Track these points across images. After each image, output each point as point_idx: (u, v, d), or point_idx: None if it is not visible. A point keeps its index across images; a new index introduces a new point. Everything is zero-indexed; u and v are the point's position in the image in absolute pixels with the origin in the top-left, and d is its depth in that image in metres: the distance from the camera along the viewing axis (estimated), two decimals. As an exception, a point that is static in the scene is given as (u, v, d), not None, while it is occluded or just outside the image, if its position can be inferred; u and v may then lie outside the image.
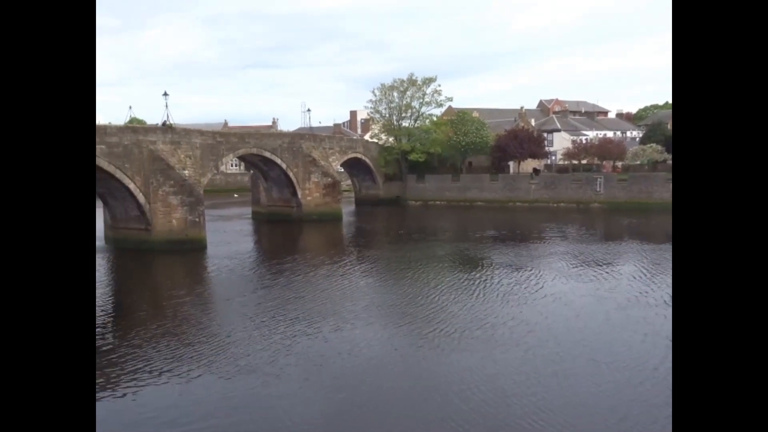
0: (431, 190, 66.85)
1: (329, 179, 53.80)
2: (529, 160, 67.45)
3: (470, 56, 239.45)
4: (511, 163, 69.32)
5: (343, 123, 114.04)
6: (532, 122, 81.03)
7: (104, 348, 18.68)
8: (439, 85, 66.99)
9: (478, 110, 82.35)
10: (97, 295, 26.58)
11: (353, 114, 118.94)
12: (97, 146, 33.67)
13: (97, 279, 29.79)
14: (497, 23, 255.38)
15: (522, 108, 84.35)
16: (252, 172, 58.84)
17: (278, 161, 50.16)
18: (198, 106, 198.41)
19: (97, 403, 14.54)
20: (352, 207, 66.23)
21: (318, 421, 13.59)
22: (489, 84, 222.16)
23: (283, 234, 47.10)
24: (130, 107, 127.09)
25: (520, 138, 64.74)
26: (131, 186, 35.61)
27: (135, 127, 42.13)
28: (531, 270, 29.09)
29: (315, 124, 75.37)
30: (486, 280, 27.13)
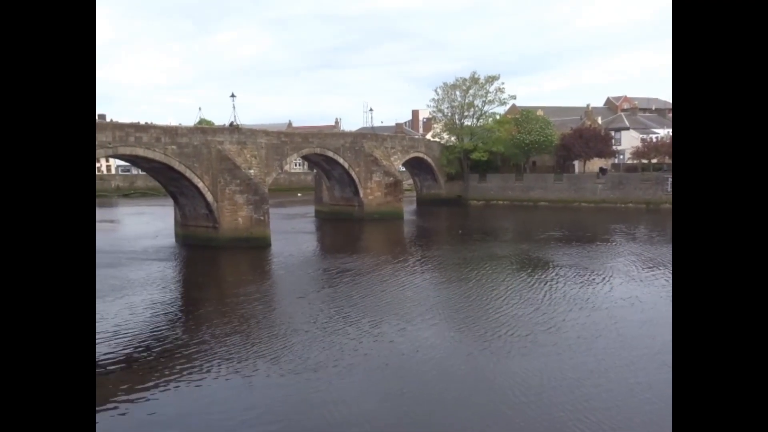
0: (493, 190, 65.98)
1: (391, 178, 53.94)
2: (595, 159, 65.57)
3: (535, 53, 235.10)
4: (576, 163, 67.60)
5: (405, 122, 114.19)
6: (599, 120, 78.72)
7: (174, 342, 19.33)
8: (503, 83, 66.14)
9: (543, 108, 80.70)
10: (169, 289, 27.55)
11: (415, 113, 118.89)
12: (168, 146, 34.91)
13: (169, 274, 30.90)
14: (563, 19, 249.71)
15: (588, 106, 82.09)
16: (315, 171, 59.71)
17: (341, 161, 50.68)
18: (263, 107, 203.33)
19: (163, 395, 15.03)
20: (414, 206, 66.19)
21: (382, 422, 13.59)
22: (554, 81, 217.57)
23: (345, 233, 47.55)
24: (200, 108, 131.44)
25: (585, 137, 63.05)
26: (200, 185, 36.74)
27: (204, 128, 43.47)
28: (598, 272, 28.24)
29: (377, 123, 75.90)
30: (551, 282, 26.52)
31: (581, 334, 18.84)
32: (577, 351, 17.35)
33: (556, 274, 28.04)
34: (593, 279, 26.86)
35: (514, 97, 68.84)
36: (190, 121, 77.48)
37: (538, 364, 16.39)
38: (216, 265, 34.33)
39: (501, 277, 28.14)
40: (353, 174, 51.86)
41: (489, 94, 66.16)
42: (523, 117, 66.89)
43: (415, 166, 66.94)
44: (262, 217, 38.50)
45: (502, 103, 67.53)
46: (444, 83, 67.97)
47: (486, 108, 66.99)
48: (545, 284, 26.03)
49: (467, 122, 67.86)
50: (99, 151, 32.71)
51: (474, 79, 65.95)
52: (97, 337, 19.53)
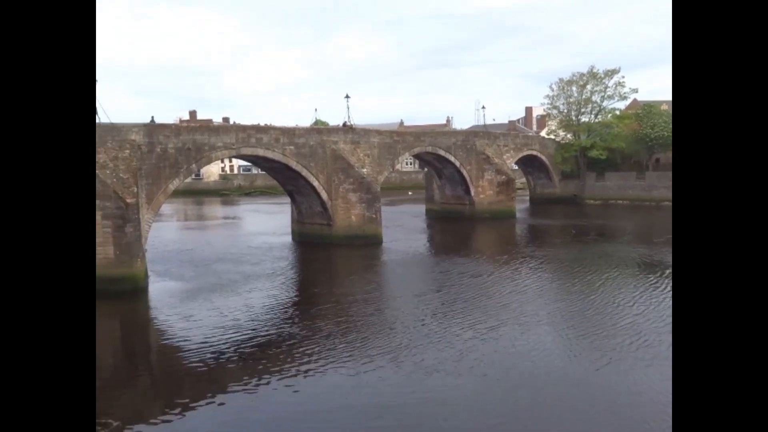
0: (612, 189, 62.97)
1: (503, 177, 53.03)
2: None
3: (659, 46, 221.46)
4: (705, 160, 62.92)
5: (518, 119, 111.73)
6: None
7: (289, 337, 20.17)
8: (623, 77, 62.95)
9: (668, 103, 75.83)
10: (285, 285, 28.79)
11: (529, 110, 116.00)
12: (287, 147, 36.45)
13: (286, 270, 32.28)
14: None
15: (720, 98, 75.98)
16: (426, 170, 59.91)
17: (452, 159, 50.50)
18: (376, 107, 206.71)
19: (275, 388, 15.65)
20: (526, 205, 64.63)
21: (494, 427, 13.43)
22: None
23: (455, 231, 47.36)
24: (316, 110, 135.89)
25: (717, 131, 58.51)
26: (315, 183, 38.04)
27: (319, 128, 44.95)
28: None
29: (489, 121, 74.69)
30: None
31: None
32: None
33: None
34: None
35: (635, 91, 65.22)
36: (306, 122, 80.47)
37: (660, 378, 15.41)
38: (330, 262, 35.42)
39: (618, 281, 26.83)
40: (464, 172, 51.50)
41: (608, 89, 63.24)
42: (645, 111, 63.25)
43: (528, 164, 65.33)
44: (374, 215, 39.22)
45: (623, 97, 64.29)
46: (559, 79, 65.74)
47: (605, 103, 64.09)
48: (670, 292, 24.49)
49: (584, 118, 65.21)
50: (223, 152, 34.78)
51: (592, 74, 63.27)
52: (215, 330, 20.80)
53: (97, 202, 26.28)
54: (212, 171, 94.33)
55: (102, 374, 18.41)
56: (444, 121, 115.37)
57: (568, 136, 66.43)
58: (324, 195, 38.48)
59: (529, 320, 20.66)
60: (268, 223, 52.65)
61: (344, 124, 44.30)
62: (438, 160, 51.49)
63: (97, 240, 26.33)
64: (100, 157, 26.91)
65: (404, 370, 16.26)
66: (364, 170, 39.75)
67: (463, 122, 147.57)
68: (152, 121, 34.81)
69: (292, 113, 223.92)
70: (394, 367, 16.66)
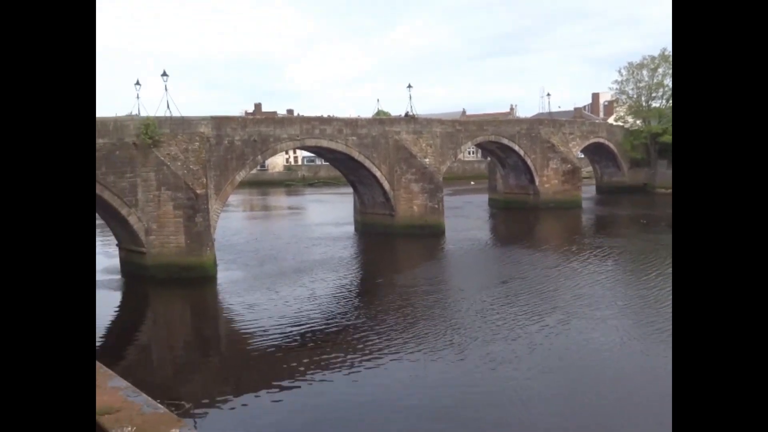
0: (685, 177, 60.28)
1: (568, 165, 51.68)
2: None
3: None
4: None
5: (584, 106, 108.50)
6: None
7: (351, 326, 20.41)
8: (699, 59, 59.96)
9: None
10: (348, 275, 29.11)
11: (595, 96, 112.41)
12: (349, 137, 36.73)
13: (349, 260, 32.62)
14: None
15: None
16: (489, 159, 59.12)
17: (516, 148, 49.61)
18: (438, 97, 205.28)
19: (338, 377, 15.83)
20: (593, 194, 62.81)
21: (553, 421, 13.18)
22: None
23: (519, 221, 46.59)
24: (378, 100, 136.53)
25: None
26: (378, 174, 38.20)
27: (381, 118, 45.03)
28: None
29: (554, 108, 72.95)
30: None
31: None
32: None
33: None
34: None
35: (712, 74, 62.03)
36: (368, 112, 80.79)
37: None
38: (392, 252, 35.55)
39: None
40: (529, 161, 50.50)
41: (682, 72, 60.44)
42: (722, 96, 60.14)
43: (595, 152, 63.37)
44: (436, 205, 39.06)
45: (698, 80, 61.29)
46: (629, 63, 63.34)
47: (678, 87, 61.33)
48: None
49: (655, 104, 62.64)
50: (288, 143, 35.40)
51: (664, 57, 60.62)
52: (280, 318, 21.26)
53: (169, 193, 27.29)
54: (277, 162, 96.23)
55: (175, 357, 19.21)
56: (507, 110, 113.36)
57: (638, 122, 64.00)
58: (386, 185, 38.60)
59: (600, 314, 20.10)
60: (331, 214, 53.32)
61: (406, 114, 44.22)
62: (501, 149, 50.70)
63: (170, 229, 27.38)
64: (172, 149, 27.89)
65: (469, 363, 16.12)
66: (427, 160, 39.58)
67: (527, 110, 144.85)
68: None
69: (355, 104, 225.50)
70: (458, 360, 16.52)
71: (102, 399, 1.59)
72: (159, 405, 1.57)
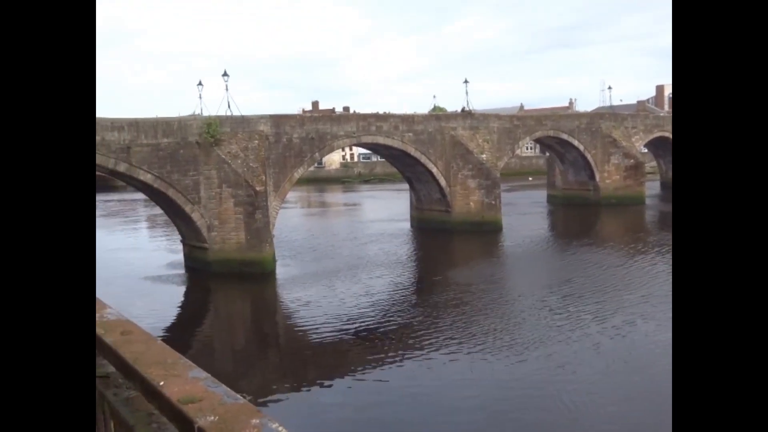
0: (757, 172, 57.49)
1: (631, 161, 50.08)
2: None
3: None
4: None
5: (648, 99, 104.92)
6: None
7: (408, 323, 20.39)
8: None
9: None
10: (404, 271, 29.11)
11: (660, 89, 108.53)
12: (405, 134, 36.73)
13: (405, 256, 32.63)
14: None
15: None
16: (547, 154, 57.99)
17: (575, 143, 48.44)
18: (495, 92, 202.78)
19: (394, 374, 15.82)
20: (657, 191, 60.71)
21: (614, 429, 12.80)
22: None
23: (579, 218, 45.50)
24: (434, 96, 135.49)
25: None
26: (434, 170, 38.05)
27: (438, 114, 44.83)
28: None
29: (615, 102, 70.82)
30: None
31: None
32: None
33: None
34: None
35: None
36: (424, 109, 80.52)
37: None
38: (449, 249, 35.36)
39: None
40: (589, 156, 49.22)
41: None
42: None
43: (660, 146, 61.20)
44: (493, 202, 38.60)
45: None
46: (696, 53, 60.73)
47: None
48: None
49: (725, 95, 59.94)
50: (345, 140, 35.70)
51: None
52: (337, 314, 21.46)
53: (230, 190, 27.99)
54: (333, 159, 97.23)
55: (235, 351, 19.69)
56: (566, 104, 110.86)
57: (706, 115, 61.43)
58: (442, 181, 38.40)
59: (669, 315, 19.40)
60: (387, 210, 53.47)
61: (463, 110, 43.86)
62: (560, 145, 49.62)
63: (230, 226, 28.09)
64: (232, 147, 28.57)
65: (529, 364, 15.80)
66: (483, 156, 39.16)
67: (587, 104, 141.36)
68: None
69: (411, 101, 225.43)
70: (518, 361, 16.16)
71: (184, 389, 1.61)
72: (238, 396, 1.58)
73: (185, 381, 1.69)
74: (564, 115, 55.21)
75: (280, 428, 1.40)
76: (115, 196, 79.23)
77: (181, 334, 20.69)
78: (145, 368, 1.80)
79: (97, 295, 2.85)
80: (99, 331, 2.23)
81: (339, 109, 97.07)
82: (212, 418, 1.45)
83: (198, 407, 1.51)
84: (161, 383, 1.67)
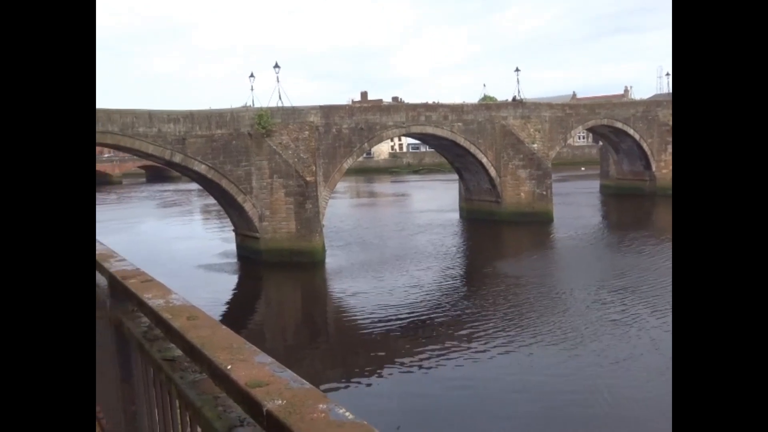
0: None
1: (690, 150, 48.37)
2: None
3: None
4: None
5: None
6: None
7: (456, 315, 20.31)
8: None
9: None
10: (454, 262, 28.98)
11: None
12: (455, 124, 36.43)
13: (454, 247, 32.48)
14: None
15: None
16: (601, 144, 56.59)
17: (630, 132, 47.07)
18: (547, 80, 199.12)
19: (442, 365, 15.75)
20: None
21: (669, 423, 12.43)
22: None
23: (634, 209, 44.26)
24: (484, 85, 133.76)
25: None
26: (484, 160, 37.66)
27: (488, 104, 44.26)
28: None
29: (673, 89, 68.20)
30: None
31: None
32: None
33: None
34: None
35: None
36: (474, 98, 79.64)
37: None
38: (499, 240, 35.00)
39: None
40: (645, 146, 47.75)
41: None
42: None
43: (721, 135, 58.91)
44: (544, 192, 37.97)
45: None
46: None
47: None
48: None
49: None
50: (394, 131, 35.69)
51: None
52: (385, 304, 21.53)
53: (281, 180, 28.41)
54: (382, 150, 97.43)
55: (285, 338, 20.05)
56: (621, 92, 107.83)
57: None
58: (492, 172, 37.98)
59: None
60: (436, 201, 53.26)
61: (513, 99, 43.18)
62: (614, 134, 48.31)
63: (281, 215, 28.54)
64: (283, 138, 28.96)
65: (583, 359, 15.48)
66: (535, 146, 38.51)
67: (643, 92, 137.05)
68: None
69: (460, 90, 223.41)
70: (571, 355, 15.83)
71: (251, 373, 1.65)
72: (304, 381, 1.60)
73: (252, 365, 1.72)
74: (618, 104, 53.69)
75: (347, 413, 1.41)
76: (171, 186, 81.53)
77: (234, 321, 21.19)
78: (213, 352, 1.84)
79: (160, 281, 2.94)
80: (166, 315, 2.30)
81: (388, 100, 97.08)
82: (280, 401, 1.48)
83: (265, 391, 1.54)
84: (229, 367, 1.71)
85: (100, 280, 3.54)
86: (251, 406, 1.53)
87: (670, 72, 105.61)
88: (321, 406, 1.45)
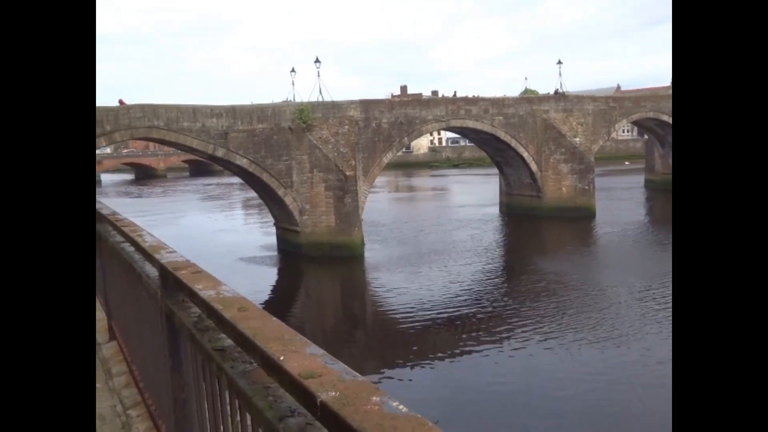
0: None
1: (740, 144, 46.85)
2: None
3: None
4: None
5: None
6: None
7: (496, 311, 20.15)
8: None
9: None
10: (493, 257, 28.73)
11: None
12: (495, 117, 36.05)
13: (494, 242, 32.18)
14: None
15: None
16: (646, 137, 55.25)
17: (677, 125, 45.81)
18: (590, 73, 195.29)
19: (481, 361, 15.66)
20: None
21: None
22: None
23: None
24: (525, 78, 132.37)
25: None
26: (525, 154, 37.19)
27: (529, 97, 43.68)
28: None
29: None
30: None
31: None
32: None
33: None
34: None
35: None
36: (515, 92, 78.67)
37: None
38: (540, 235, 34.55)
39: None
40: (692, 140, 46.44)
41: None
42: None
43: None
44: (586, 187, 37.31)
45: None
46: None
47: None
48: None
49: None
50: (433, 125, 35.54)
51: None
52: (424, 299, 21.50)
53: (320, 174, 28.63)
54: (421, 144, 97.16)
55: (324, 330, 20.22)
56: (668, 84, 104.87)
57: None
58: (533, 166, 37.49)
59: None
60: (476, 195, 52.87)
61: (555, 92, 42.48)
62: (660, 127, 47.08)
63: (321, 209, 28.78)
64: (323, 132, 29.16)
65: (626, 358, 15.17)
66: (577, 139, 37.84)
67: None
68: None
69: (501, 83, 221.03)
70: (613, 354, 15.53)
71: (303, 364, 1.66)
72: (356, 373, 1.61)
73: (303, 357, 1.74)
74: (665, 96, 52.20)
75: (401, 406, 1.41)
76: (214, 180, 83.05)
77: (274, 313, 21.21)
78: (265, 343, 1.86)
79: (208, 273, 2.99)
80: (218, 306, 2.34)
81: (427, 94, 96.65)
82: (333, 393, 1.49)
83: (318, 382, 1.55)
84: (281, 358, 1.73)
85: (151, 271, 3.62)
86: (304, 396, 1.55)
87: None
88: (374, 398, 1.45)
